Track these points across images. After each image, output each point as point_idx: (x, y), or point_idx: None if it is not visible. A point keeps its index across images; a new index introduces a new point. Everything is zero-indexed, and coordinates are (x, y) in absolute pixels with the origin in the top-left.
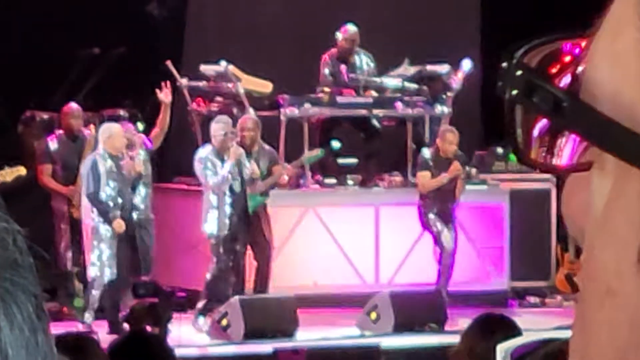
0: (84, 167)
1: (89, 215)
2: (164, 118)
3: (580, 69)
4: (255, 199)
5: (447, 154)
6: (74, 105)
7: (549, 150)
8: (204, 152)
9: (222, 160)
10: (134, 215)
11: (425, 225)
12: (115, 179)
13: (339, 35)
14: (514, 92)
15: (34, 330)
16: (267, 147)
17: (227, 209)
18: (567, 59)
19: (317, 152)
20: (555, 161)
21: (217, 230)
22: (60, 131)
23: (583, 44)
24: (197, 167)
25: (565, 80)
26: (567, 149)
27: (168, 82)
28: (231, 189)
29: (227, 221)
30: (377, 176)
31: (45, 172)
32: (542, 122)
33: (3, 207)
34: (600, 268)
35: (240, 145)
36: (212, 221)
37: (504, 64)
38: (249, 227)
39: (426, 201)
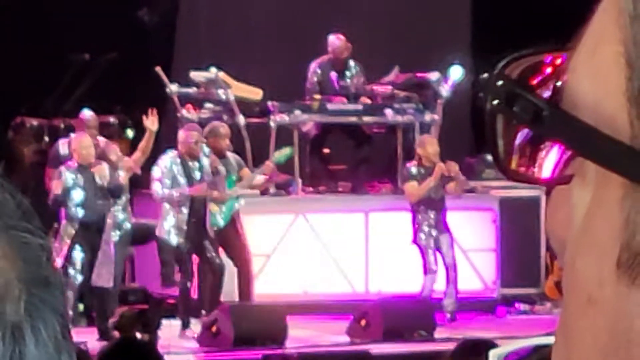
0: (54, 177)
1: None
2: (147, 144)
3: (561, 80)
4: (231, 203)
5: (430, 158)
6: (88, 112)
7: (531, 162)
8: (167, 159)
9: (186, 168)
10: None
11: (417, 242)
12: (83, 188)
13: (330, 43)
14: (495, 102)
15: (58, 349)
16: (231, 153)
17: (183, 216)
18: (549, 70)
19: (287, 151)
20: (537, 173)
21: (171, 237)
22: (74, 136)
23: (565, 55)
24: (154, 172)
25: (547, 91)
26: (548, 161)
27: (155, 110)
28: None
29: (184, 227)
30: (367, 183)
31: (54, 176)
32: (524, 133)
33: (39, 222)
34: (582, 277)
35: (212, 152)
36: (167, 227)
37: (485, 75)
38: (207, 235)
39: (418, 214)
